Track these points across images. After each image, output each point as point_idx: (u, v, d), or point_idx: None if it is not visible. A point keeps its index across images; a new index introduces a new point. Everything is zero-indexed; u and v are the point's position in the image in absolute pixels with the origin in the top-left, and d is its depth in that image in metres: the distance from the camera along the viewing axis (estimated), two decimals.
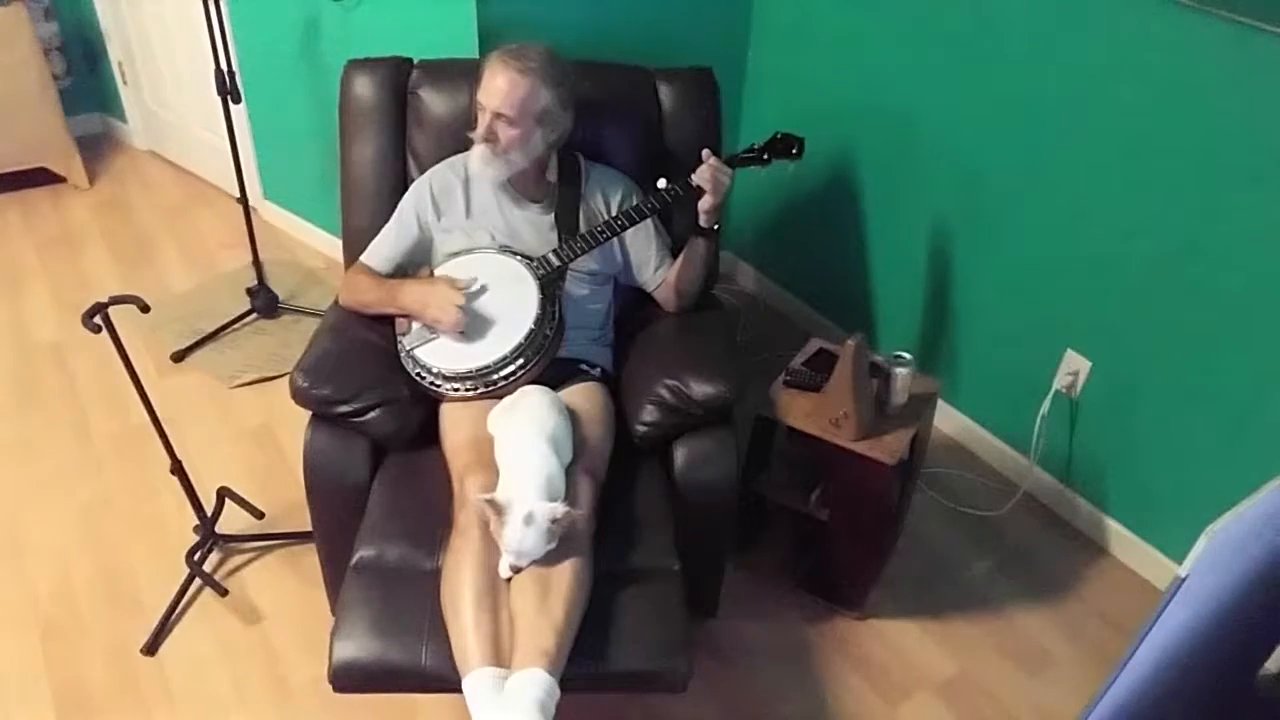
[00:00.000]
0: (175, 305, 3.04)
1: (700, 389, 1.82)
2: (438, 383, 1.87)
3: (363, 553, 1.71)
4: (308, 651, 2.05)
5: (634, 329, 2.08)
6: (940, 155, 2.46)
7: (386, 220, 2.03)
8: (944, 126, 2.43)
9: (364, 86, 2.10)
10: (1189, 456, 2.14)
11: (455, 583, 1.59)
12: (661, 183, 1.91)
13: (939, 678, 2.07)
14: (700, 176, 1.87)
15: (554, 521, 1.56)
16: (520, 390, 1.82)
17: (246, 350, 2.88)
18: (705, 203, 1.90)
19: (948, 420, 2.69)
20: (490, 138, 1.87)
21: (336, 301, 2.05)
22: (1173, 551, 2.25)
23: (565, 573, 1.58)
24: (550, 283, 1.90)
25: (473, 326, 1.87)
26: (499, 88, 1.83)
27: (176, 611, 2.11)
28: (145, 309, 1.87)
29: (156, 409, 2.01)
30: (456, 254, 1.96)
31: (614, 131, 2.14)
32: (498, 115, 1.85)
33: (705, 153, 1.88)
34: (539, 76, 1.84)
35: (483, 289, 1.90)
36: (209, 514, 2.20)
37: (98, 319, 1.80)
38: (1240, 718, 1.60)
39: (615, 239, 1.96)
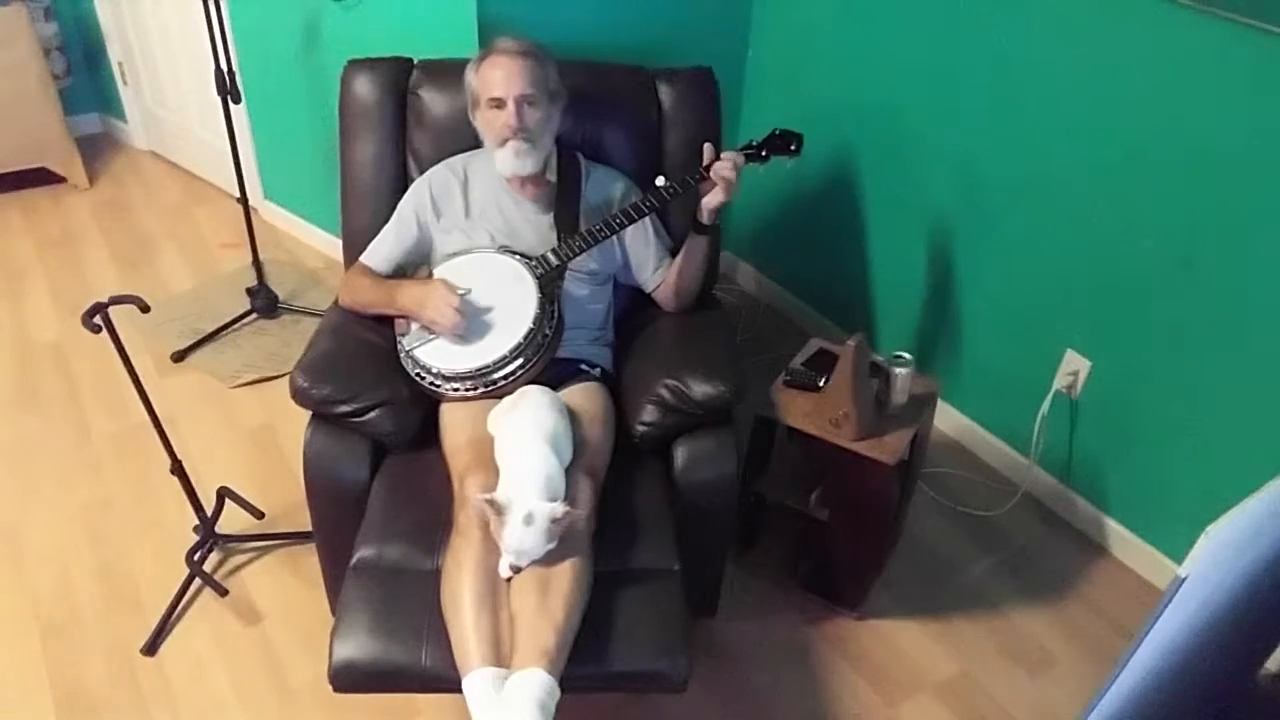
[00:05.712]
0: (175, 305, 3.04)
1: (700, 389, 1.81)
2: (437, 383, 1.87)
3: (363, 553, 1.71)
4: (308, 651, 2.05)
5: (634, 329, 2.08)
6: (940, 155, 2.46)
7: (386, 220, 2.03)
8: (944, 126, 2.43)
9: (364, 86, 2.10)
10: (1188, 456, 2.14)
11: (455, 583, 1.59)
12: (660, 180, 1.90)
13: (939, 678, 2.07)
14: (720, 170, 1.84)
15: (554, 521, 1.56)
16: (520, 390, 1.82)
17: (246, 350, 2.88)
18: (714, 199, 1.88)
19: (948, 420, 2.68)
20: (521, 127, 1.88)
21: (336, 302, 2.05)
22: (1173, 551, 2.25)
23: (565, 573, 1.58)
24: (549, 282, 1.90)
25: (472, 326, 1.86)
26: (516, 72, 1.87)
27: (176, 611, 2.11)
28: (145, 309, 1.87)
29: (156, 409, 2.01)
30: (456, 254, 1.96)
31: (614, 131, 2.13)
32: (520, 100, 1.87)
33: (707, 147, 1.87)
34: (538, 55, 1.93)
35: (481, 289, 1.89)
36: (209, 514, 2.20)
37: (98, 319, 1.80)
38: (1240, 717, 1.60)
39: (614, 239, 1.96)
